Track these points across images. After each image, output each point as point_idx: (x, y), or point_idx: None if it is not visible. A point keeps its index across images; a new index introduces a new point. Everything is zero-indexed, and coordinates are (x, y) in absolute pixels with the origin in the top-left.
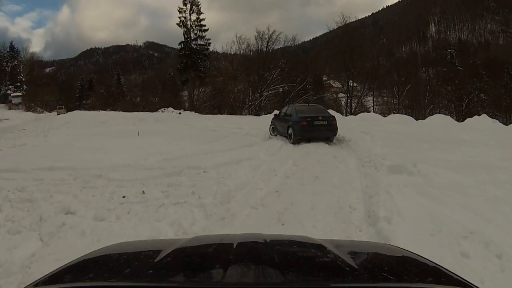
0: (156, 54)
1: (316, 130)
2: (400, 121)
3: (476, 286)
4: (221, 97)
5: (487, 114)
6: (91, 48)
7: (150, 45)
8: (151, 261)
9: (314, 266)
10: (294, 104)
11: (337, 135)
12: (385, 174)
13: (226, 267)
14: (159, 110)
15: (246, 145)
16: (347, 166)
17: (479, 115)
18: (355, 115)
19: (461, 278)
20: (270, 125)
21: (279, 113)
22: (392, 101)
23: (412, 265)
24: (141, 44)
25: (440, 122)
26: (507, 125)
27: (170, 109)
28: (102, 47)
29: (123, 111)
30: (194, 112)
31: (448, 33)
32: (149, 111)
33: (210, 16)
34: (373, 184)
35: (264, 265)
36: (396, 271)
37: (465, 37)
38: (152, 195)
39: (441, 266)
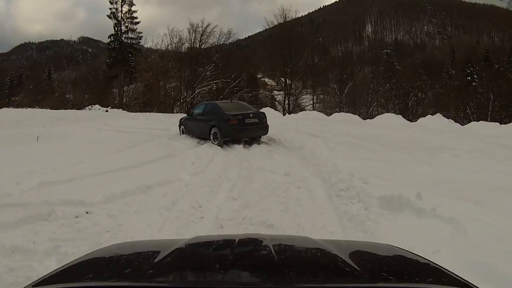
0: (90, 50)
1: (247, 129)
2: (348, 121)
3: (476, 286)
4: (151, 94)
5: (428, 113)
6: (25, 42)
7: (85, 40)
8: (151, 261)
9: (314, 266)
10: (214, 101)
11: (282, 139)
12: (380, 215)
13: (226, 267)
14: (87, 107)
15: (167, 154)
16: (313, 197)
17: (424, 114)
18: (294, 113)
19: (461, 278)
20: (180, 126)
21: (192, 112)
22: (334, 98)
23: (412, 265)
24: (76, 39)
25: (392, 122)
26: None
27: (97, 106)
28: (37, 42)
29: (50, 109)
30: (121, 110)
31: (385, 33)
32: (77, 109)
33: (147, 12)
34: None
35: (264, 265)
36: (396, 271)
37: (401, 37)
38: None
39: (441, 266)
